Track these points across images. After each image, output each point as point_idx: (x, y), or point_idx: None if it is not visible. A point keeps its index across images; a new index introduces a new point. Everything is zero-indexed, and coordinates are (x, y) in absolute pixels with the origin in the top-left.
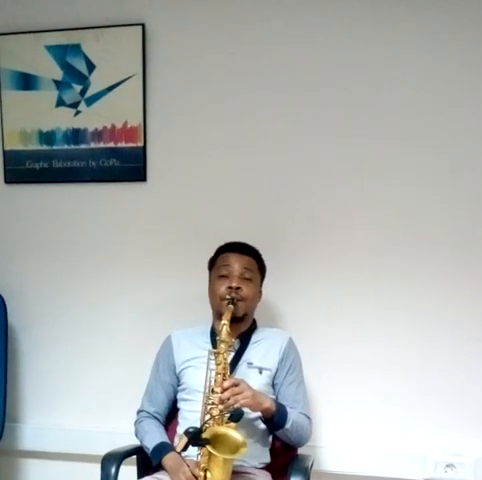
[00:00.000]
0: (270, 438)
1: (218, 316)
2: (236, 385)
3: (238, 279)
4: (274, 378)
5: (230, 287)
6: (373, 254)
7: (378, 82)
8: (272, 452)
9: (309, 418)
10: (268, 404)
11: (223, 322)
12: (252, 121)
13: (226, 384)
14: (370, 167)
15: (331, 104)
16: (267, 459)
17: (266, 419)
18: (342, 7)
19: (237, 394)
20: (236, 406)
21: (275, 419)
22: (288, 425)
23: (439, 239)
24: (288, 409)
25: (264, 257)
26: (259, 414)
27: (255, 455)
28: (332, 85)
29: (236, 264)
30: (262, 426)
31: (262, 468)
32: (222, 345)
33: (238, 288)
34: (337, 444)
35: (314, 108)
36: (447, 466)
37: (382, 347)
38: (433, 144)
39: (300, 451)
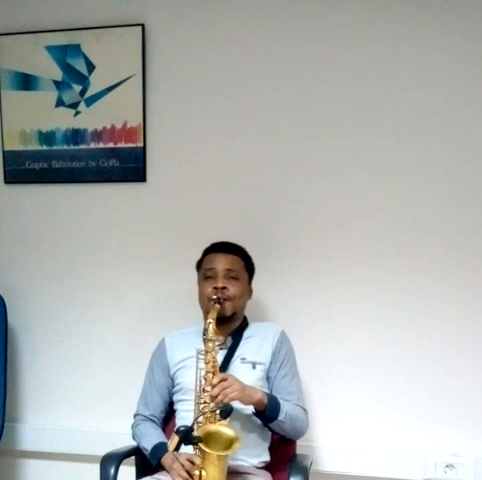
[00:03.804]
0: (269, 434)
1: (207, 317)
2: (224, 380)
3: (223, 279)
4: (268, 372)
5: (216, 288)
6: (372, 254)
7: (378, 82)
8: (270, 451)
9: (305, 410)
10: (259, 396)
11: (209, 321)
12: (252, 121)
13: (215, 381)
14: (369, 167)
15: (331, 104)
16: (267, 458)
17: (258, 412)
18: (342, 6)
19: (226, 388)
20: (226, 401)
21: (267, 411)
22: (281, 417)
23: (439, 239)
24: (280, 400)
25: (264, 257)
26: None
27: (255, 453)
28: (332, 85)
29: (220, 264)
30: (261, 422)
31: (262, 467)
32: (209, 344)
33: (224, 288)
34: (336, 444)
35: (314, 108)
36: (447, 466)
37: (381, 347)
38: (433, 144)
39: (299, 451)
